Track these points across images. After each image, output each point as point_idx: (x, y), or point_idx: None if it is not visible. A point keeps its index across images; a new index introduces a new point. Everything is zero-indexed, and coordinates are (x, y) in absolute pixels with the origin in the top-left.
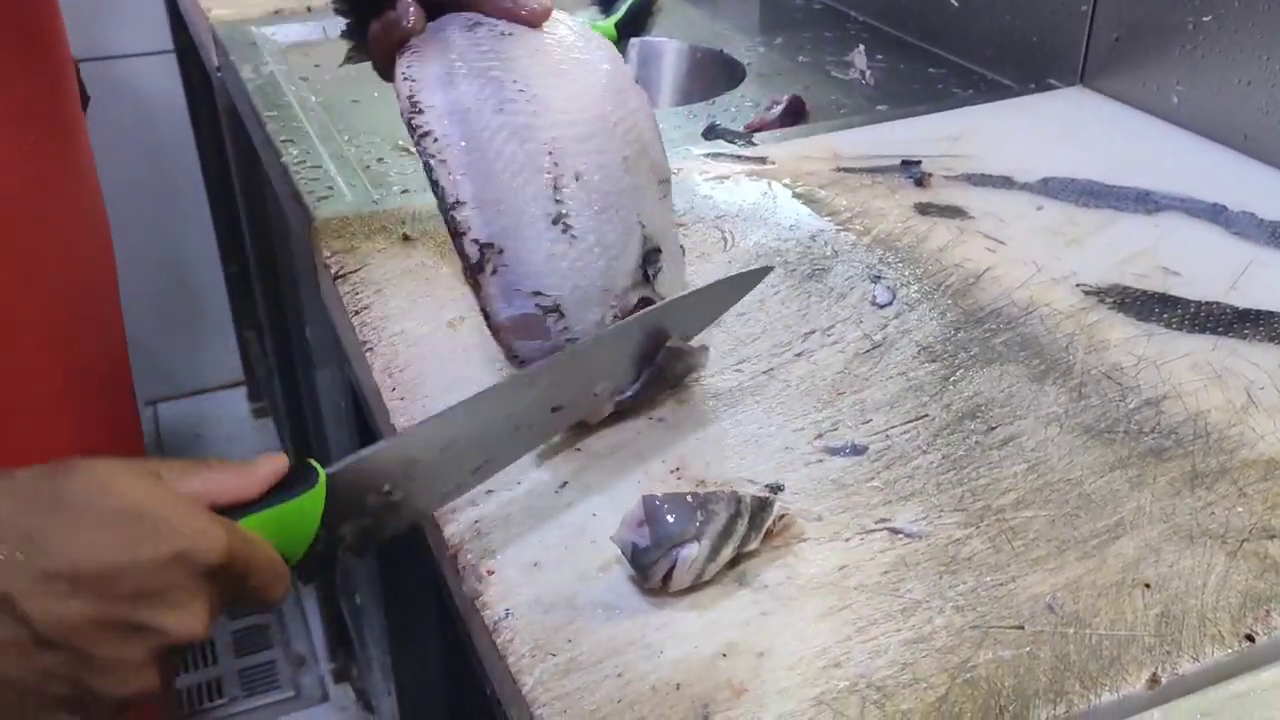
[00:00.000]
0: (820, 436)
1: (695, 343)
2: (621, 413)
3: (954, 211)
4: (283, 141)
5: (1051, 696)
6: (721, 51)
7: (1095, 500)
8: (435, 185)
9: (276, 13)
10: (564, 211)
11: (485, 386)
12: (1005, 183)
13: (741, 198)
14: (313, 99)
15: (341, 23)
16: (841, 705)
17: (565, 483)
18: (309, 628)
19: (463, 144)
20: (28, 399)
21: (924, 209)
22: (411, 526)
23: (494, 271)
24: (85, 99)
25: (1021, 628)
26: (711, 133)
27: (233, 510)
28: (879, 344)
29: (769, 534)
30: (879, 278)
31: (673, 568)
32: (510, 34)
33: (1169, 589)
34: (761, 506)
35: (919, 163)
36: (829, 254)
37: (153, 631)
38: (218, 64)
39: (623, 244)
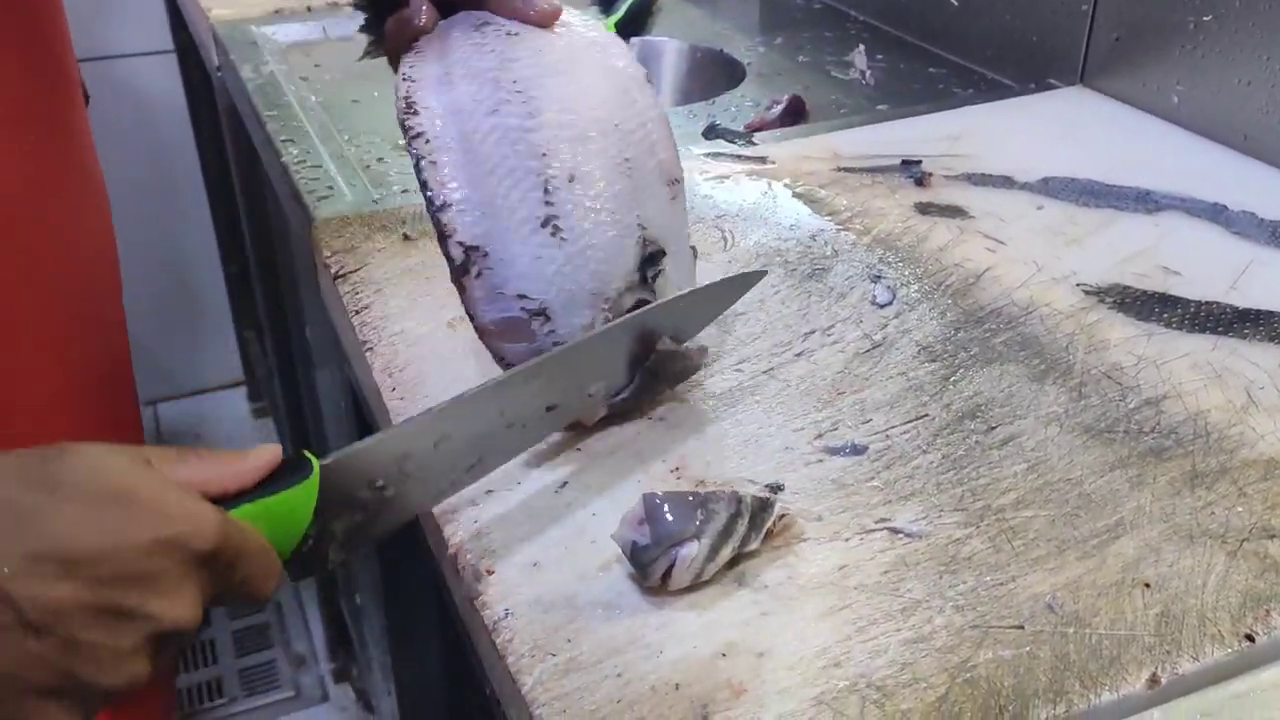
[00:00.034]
0: (820, 436)
1: (693, 344)
2: (618, 415)
3: (954, 211)
4: (283, 141)
5: (1051, 696)
6: (721, 51)
7: (1095, 500)
8: (423, 186)
9: (276, 12)
10: (554, 214)
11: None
12: (1005, 182)
13: (741, 197)
14: (313, 99)
15: (340, 23)
16: (841, 705)
17: (565, 482)
18: (309, 628)
19: (452, 146)
20: (27, 399)
21: (924, 209)
22: (403, 525)
23: (478, 274)
24: (85, 98)
25: (1021, 627)
26: (711, 132)
27: (225, 500)
28: (879, 344)
29: (769, 534)
30: (879, 277)
31: (672, 566)
32: (517, 34)
33: (1169, 589)
34: (762, 506)
35: (919, 162)
36: (829, 254)
37: (143, 618)
38: (218, 64)
39: (618, 247)
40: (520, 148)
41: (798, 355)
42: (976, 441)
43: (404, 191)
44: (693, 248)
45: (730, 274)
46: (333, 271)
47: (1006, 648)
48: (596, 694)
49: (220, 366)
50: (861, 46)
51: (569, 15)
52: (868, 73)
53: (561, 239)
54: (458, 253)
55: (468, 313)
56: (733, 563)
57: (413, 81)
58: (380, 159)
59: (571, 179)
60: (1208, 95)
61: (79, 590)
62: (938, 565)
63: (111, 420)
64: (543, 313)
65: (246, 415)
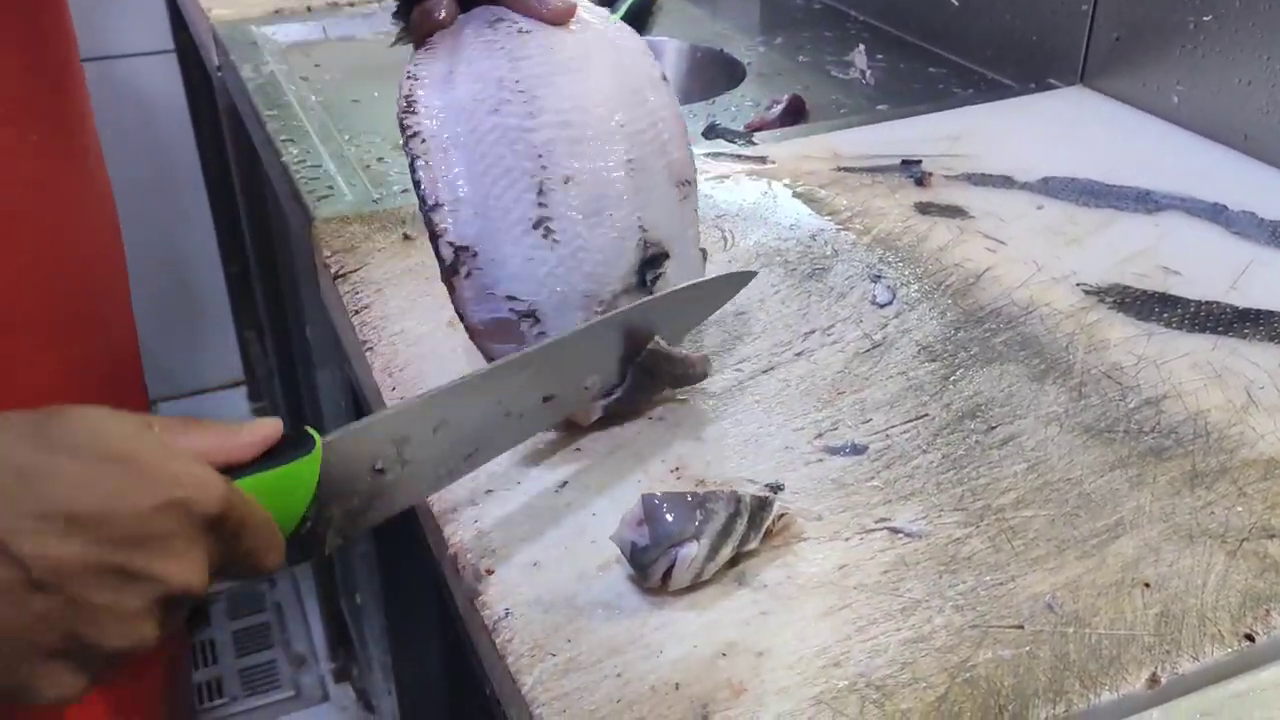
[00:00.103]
0: (820, 436)
1: (696, 352)
2: (616, 416)
3: (954, 211)
4: (283, 141)
5: (1051, 696)
6: (721, 51)
7: (1095, 500)
8: (417, 185)
9: (276, 12)
10: (547, 215)
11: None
12: (1005, 182)
13: (741, 197)
14: (313, 99)
15: (340, 23)
16: (841, 705)
17: (565, 482)
18: (309, 627)
19: (448, 145)
20: (28, 397)
21: (924, 208)
22: (400, 513)
23: (468, 274)
24: None
25: (1021, 627)
26: (712, 132)
27: (227, 471)
28: (879, 343)
29: (769, 533)
30: (879, 277)
31: (671, 566)
32: (529, 31)
33: (1169, 588)
34: (761, 506)
35: (919, 162)
36: (829, 253)
37: (150, 579)
38: (218, 64)
39: (616, 249)
40: (519, 148)
41: (798, 355)
42: (976, 441)
43: (404, 191)
44: (703, 250)
45: (730, 274)
46: (333, 271)
47: (1006, 647)
48: (596, 694)
49: (220, 366)
50: (861, 46)
51: (586, 13)
52: (868, 73)
53: (554, 241)
54: (447, 252)
55: (458, 312)
56: (732, 562)
57: (415, 80)
58: (380, 159)
59: (567, 180)
60: (1208, 95)
61: (86, 549)
62: (937, 565)
63: None
64: (532, 314)
65: (247, 415)
